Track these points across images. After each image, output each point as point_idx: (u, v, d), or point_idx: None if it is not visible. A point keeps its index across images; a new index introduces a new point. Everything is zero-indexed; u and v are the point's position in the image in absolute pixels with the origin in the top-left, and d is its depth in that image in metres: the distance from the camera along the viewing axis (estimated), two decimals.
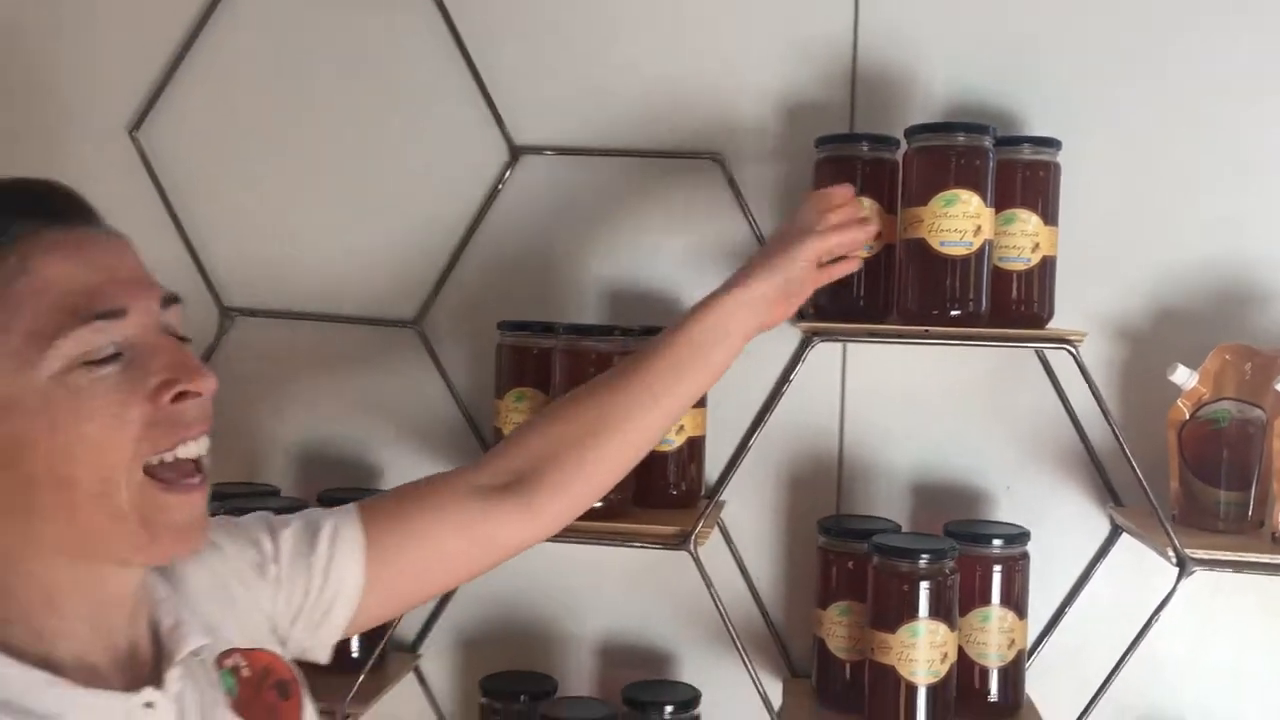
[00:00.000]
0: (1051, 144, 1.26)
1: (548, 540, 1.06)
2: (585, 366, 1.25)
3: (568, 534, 1.17)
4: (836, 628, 1.30)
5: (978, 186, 1.18)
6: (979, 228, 1.18)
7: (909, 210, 1.20)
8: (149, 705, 0.77)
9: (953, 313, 1.19)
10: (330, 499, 1.03)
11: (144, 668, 0.80)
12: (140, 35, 1.51)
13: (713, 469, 1.38)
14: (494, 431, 1.35)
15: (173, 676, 0.79)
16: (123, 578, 0.79)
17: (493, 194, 1.45)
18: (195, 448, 0.77)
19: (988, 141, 1.20)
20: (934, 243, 1.18)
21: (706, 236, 1.41)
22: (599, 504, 1.20)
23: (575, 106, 1.44)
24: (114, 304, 0.74)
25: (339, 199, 1.48)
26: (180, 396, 0.75)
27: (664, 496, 1.32)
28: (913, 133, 1.22)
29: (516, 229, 1.46)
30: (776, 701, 1.35)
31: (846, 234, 1.12)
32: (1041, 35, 1.35)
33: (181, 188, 1.50)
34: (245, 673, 0.86)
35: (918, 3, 1.37)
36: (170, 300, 0.78)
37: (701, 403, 1.33)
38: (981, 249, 1.19)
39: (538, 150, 1.44)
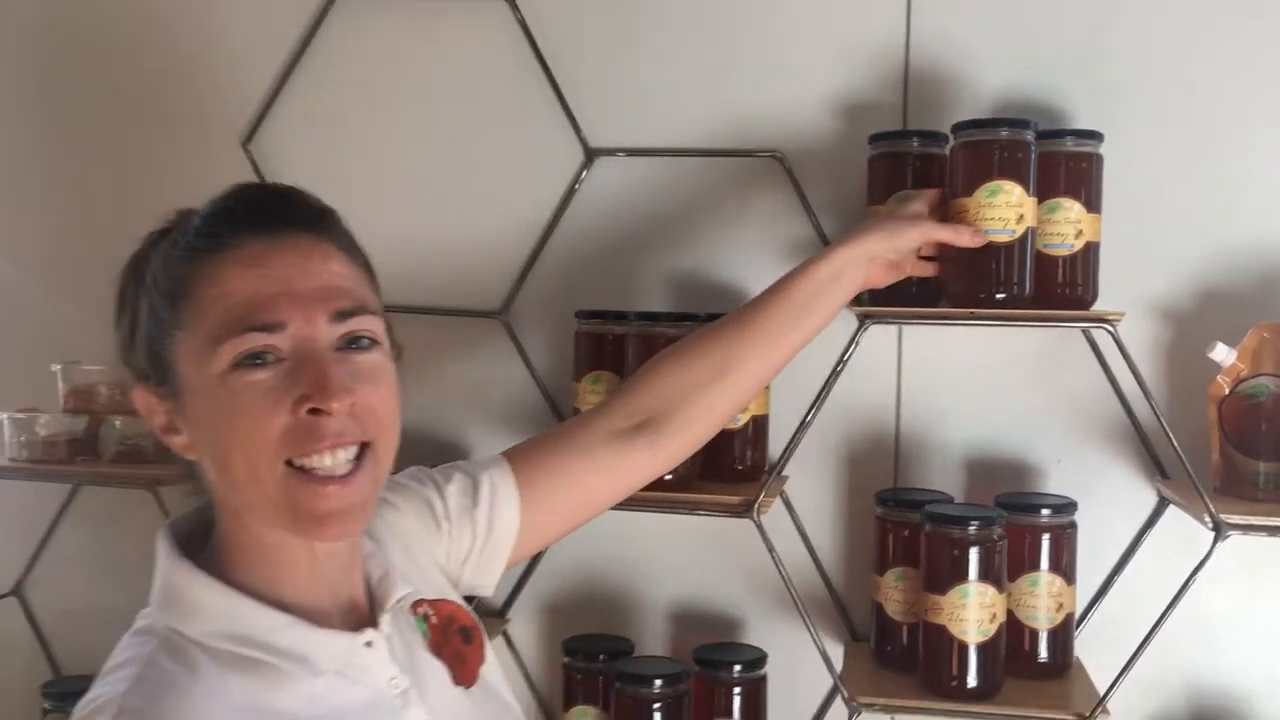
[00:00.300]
0: (1093, 136, 1.33)
1: (621, 509, 1.18)
2: (656, 351, 1.34)
3: (643, 503, 1.29)
4: (893, 592, 1.38)
5: (1020, 177, 1.26)
6: (1021, 216, 1.25)
7: (956, 201, 1.28)
8: (369, 644, 0.88)
9: (998, 296, 1.27)
10: None
11: (361, 613, 0.91)
12: (250, 57, 1.64)
13: (776, 447, 1.47)
14: (572, 410, 1.46)
15: (385, 620, 0.89)
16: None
17: (570, 193, 1.56)
18: (329, 460, 0.82)
19: (1029, 135, 1.27)
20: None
21: (768, 229, 1.50)
22: (669, 476, 1.31)
23: (646, 111, 1.53)
24: (272, 318, 0.81)
25: (431, 201, 1.60)
26: (316, 411, 0.81)
27: (730, 471, 1.41)
28: (958, 128, 1.30)
29: (592, 225, 1.56)
30: (838, 664, 1.43)
31: (957, 233, 1.24)
32: (1085, 32, 1.42)
33: None
34: (434, 620, 0.97)
35: (965, 6, 1.44)
36: (348, 314, 0.84)
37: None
38: (1024, 236, 1.26)
39: (611, 152, 1.54)
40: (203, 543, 0.89)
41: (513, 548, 1.08)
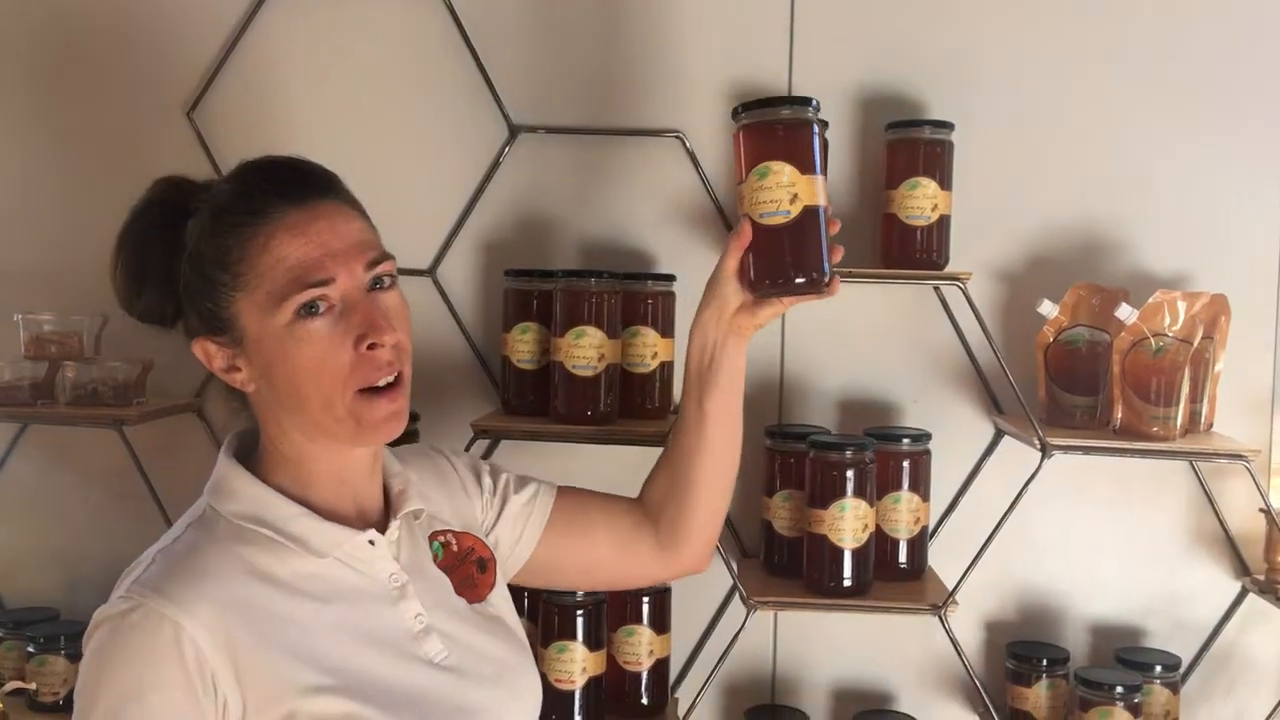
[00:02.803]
0: (946, 126, 1.58)
1: (559, 445, 1.38)
2: (581, 303, 1.53)
3: (571, 437, 1.48)
4: (780, 511, 1.62)
5: (793, 158, 1.15)
6: (795, 196, 1.15)
7: (737, 188, 1.21)
8: (371, 542, 1.04)
9: (797, 280, 1.19)
10: None
11: (375, 519, 1.08)
12: (195, 29, 1.74)
13: (680, 389, 1.67)
14: (502, 360, 1.63)
15: (394, 527, 1.07)
16: (357, 451, 1.05)
17: (495, 165, 1.73)
18: (386, 379, 0.99)
19: (810, 112, 1.18)
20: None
21: (670, 197, 1.71)
22: (590, 413, 1.52)
23: (564, 93, 1.72)
24: (325, 274, 0.97)
25: (368, 172, 1.69)
26: (373, 346, 0.98)
27: (642, 410, 1.61)
28: (740, 110, 1.20)
29: (514, 194, 1.74)
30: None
31: (731, 238, 1.19)
32: (943, 39, 1.68)
33: (232, 162, 1.74)
34: (453, 547, 1.14)
35: (843, 9, 1.68)
36: (375, 261, 1.01)
37: (668, 333, 1.62)
38: (801, 217, 1.15)
39: (532, 129, 1.72)
40: (249, 453, 1.06)
41: (524, 563, 1.22)
